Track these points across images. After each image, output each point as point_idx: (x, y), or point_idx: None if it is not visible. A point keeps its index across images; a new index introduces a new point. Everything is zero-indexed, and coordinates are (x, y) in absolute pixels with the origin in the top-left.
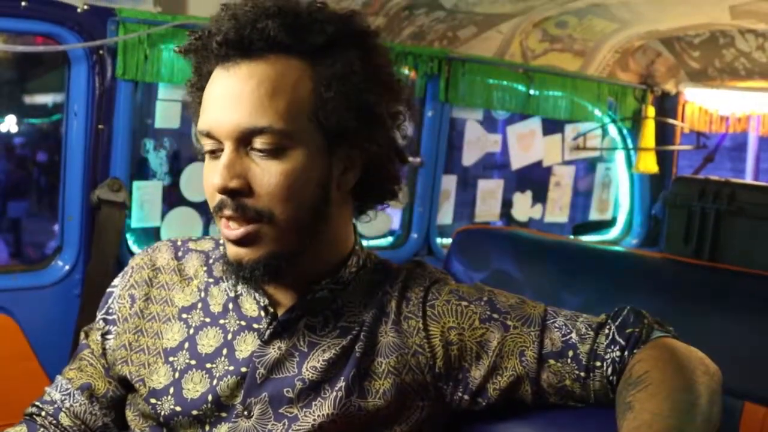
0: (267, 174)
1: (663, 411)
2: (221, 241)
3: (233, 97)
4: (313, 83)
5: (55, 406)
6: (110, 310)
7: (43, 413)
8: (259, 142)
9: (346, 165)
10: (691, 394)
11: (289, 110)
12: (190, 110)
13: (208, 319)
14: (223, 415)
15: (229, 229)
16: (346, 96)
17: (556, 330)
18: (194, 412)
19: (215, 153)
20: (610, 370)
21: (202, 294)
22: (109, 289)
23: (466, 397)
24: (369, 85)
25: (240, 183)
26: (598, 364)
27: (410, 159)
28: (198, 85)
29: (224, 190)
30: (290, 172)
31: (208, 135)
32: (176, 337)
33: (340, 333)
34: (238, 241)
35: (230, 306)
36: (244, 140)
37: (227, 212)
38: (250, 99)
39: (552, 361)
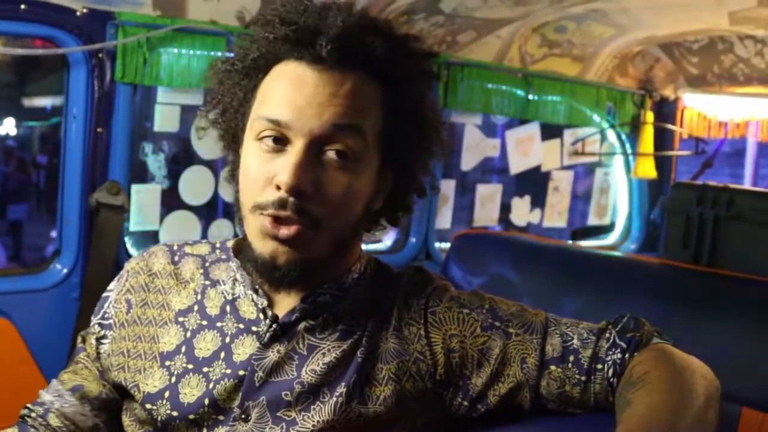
0: (333, 183)
1: (658, 405)
2: (217, 245)
3: (325, 97)
4: (387, 110)
5: (45, 407)
6: (106, 315)
7: (34, 414)
8: (336, 149)
9: (382, 188)
10: (687, 393)
11: (373, 125)
12: (221, 90)
13: (205, 322)
14: (221, 418)
15: (275, 227)
16: (409, 129)
17: (557, 336)
18: (191, 416)
19: (274, 142)
20: (611, 372)
21: (199, 297)
22: (104, 294)
23: (465, 403)
24: (428, 124)
25: (311, 188)
26: (600, 366)
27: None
28: (251, 68)
29: (294, 190)
30: (353, 187)
31: (282, 128)
32: (173, 340)
33: (341, 337)
34: (286, 241)
35: (227, 309)
36: (320, 142)
37: (285, 212)
38: (343, 102)
39: (553, 367)
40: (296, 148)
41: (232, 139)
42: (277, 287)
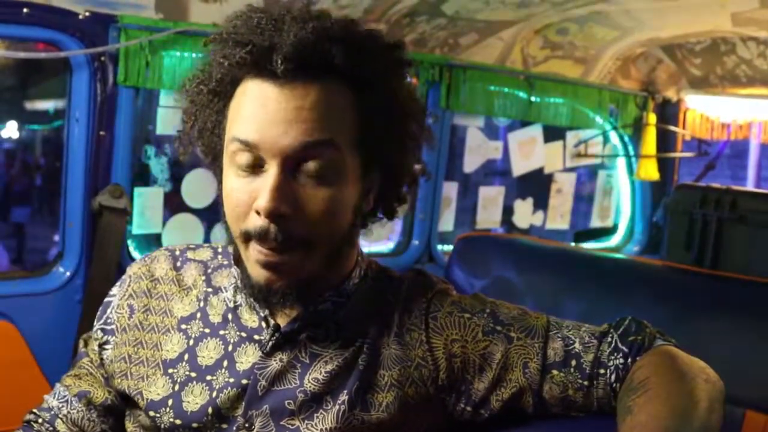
0: (314, 200)
1: (660, 413)
2: (219, 250)
3: (291, 112)
4: (360, 111)
5: (52, 412)
6: (108, 320)
7: (40, 420)
8: (312, 165)
9: (369, 187)
10: (689, 399)
11: (342, 134)
12: (194, 111)
13: (207, 330)
14: (224, 426)
15: (264, 255)
16: (388, 126)
17: (559, 340)
18: (194, 425)
19: (251, 168)
20: (613, 377)
21: (201, 304)
22: (107, 299)
23: (468, 408)
24: (405, 115)
25: (290, 208)
26: (602, 371)
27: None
28: (217, 90)
29: (273, 215)
30: (335, 199)
31: (252, 148)
32: (176, 348)
33: (343, 345)
34: (277, 268)
35: (230, 317)
36: (294, 160)
37: (269, 241)
38: (310, 115)
39: (555, 372)
40: (271, 169)
41: (214, 159)
42: (270, 306)
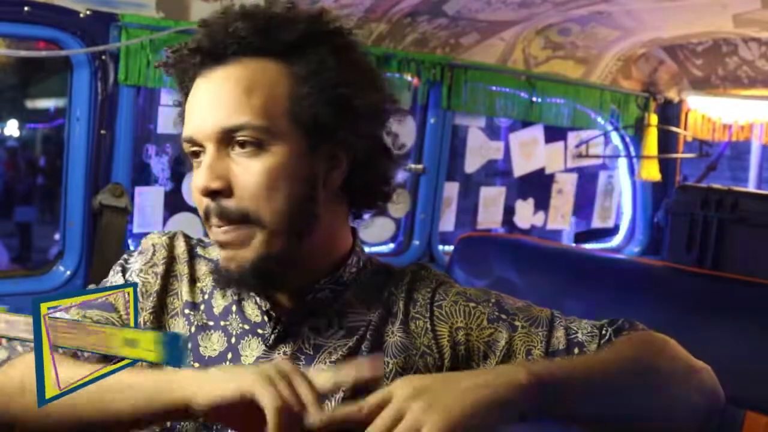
0: (247, 173)
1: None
2: None
3: (211, 100)
4: (289, 81)
5: None
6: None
7: None
8: (238, 140)
9: (331, 163)
10: (644, 364)
11: (267, 107)
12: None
13: (211, 323)
14: None
15: (215, 234)
16: (322, 92)
17: (562, 329)
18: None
19: (199, 157)
20: None
21: (206, 296)
22: (122, 264)
23: None
24: (344, 79)
25: (221, 183)
26: None
27: (413, 166)
28: (183, 100)
29: (206, 191)
30: (271, 170)
31: (191, 141)
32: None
33: (346, 334)
34: (227, 244)
35: (233, 309)
36: (225, 140)
37: (213, 218)
38: (228, 99)
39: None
40: (207, 153)
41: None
42: (240, 290)
